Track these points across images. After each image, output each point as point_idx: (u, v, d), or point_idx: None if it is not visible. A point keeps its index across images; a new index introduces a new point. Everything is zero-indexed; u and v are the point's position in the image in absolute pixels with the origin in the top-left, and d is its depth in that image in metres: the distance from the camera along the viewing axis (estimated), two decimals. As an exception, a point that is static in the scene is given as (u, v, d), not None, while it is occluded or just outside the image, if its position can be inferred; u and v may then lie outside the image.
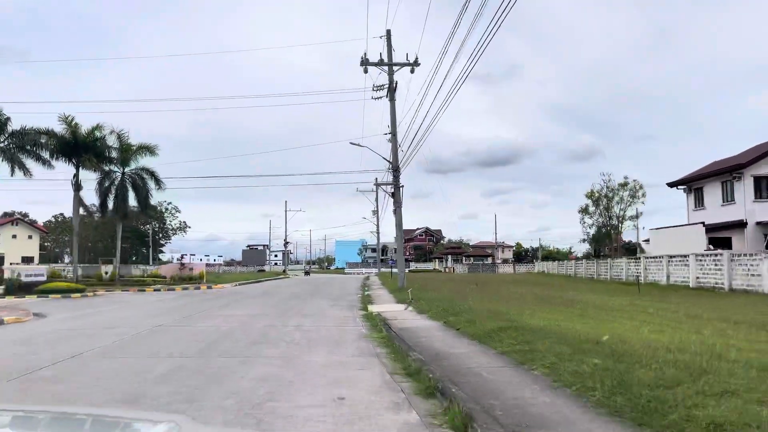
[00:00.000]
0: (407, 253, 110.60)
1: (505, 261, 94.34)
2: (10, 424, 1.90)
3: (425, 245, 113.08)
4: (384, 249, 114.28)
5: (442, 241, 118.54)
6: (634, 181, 55.55)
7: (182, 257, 72.28)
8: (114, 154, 33.87)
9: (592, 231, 63.06)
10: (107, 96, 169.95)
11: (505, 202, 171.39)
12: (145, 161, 34.90)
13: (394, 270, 35.61)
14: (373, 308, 15.98)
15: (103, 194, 34.57)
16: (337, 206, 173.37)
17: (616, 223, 58.12)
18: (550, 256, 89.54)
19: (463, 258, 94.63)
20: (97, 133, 32.43)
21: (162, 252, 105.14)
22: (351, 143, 30.62)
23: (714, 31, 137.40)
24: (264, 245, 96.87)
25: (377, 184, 46.01)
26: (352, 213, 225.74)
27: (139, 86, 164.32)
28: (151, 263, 74.41)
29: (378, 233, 72.67)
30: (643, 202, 55.99)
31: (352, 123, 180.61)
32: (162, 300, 21.72)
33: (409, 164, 32.49)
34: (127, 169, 34.78)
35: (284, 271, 79.83)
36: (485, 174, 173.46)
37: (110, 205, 34.89)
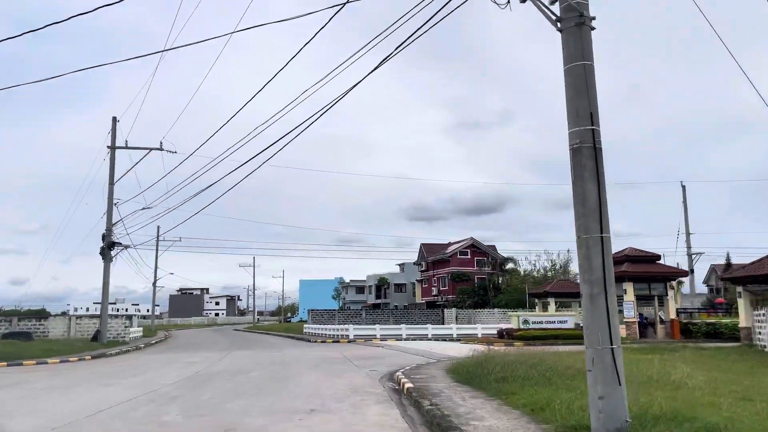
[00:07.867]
0: (436, 289, 65.49)
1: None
2: None
3: (472, 272, 61.28)
4: (367, 287, 76.51)
5: (507, 265, 61.44)
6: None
7: None
8: None
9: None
10: (80, 144, 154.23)
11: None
12: None
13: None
14: None
15: None
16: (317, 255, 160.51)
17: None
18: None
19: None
20: None
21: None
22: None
23: (682, 88, 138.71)
24: (202, 289, 75.41)
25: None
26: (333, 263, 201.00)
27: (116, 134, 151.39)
28: None
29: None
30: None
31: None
32: None
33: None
34: None
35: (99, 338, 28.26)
36: (469, 222, 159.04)
37: None
